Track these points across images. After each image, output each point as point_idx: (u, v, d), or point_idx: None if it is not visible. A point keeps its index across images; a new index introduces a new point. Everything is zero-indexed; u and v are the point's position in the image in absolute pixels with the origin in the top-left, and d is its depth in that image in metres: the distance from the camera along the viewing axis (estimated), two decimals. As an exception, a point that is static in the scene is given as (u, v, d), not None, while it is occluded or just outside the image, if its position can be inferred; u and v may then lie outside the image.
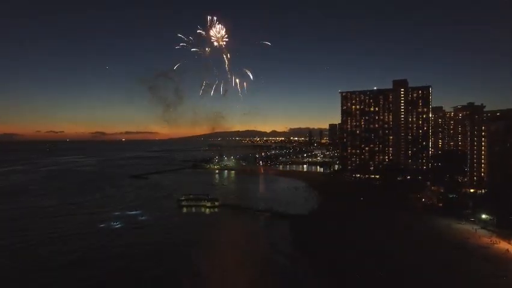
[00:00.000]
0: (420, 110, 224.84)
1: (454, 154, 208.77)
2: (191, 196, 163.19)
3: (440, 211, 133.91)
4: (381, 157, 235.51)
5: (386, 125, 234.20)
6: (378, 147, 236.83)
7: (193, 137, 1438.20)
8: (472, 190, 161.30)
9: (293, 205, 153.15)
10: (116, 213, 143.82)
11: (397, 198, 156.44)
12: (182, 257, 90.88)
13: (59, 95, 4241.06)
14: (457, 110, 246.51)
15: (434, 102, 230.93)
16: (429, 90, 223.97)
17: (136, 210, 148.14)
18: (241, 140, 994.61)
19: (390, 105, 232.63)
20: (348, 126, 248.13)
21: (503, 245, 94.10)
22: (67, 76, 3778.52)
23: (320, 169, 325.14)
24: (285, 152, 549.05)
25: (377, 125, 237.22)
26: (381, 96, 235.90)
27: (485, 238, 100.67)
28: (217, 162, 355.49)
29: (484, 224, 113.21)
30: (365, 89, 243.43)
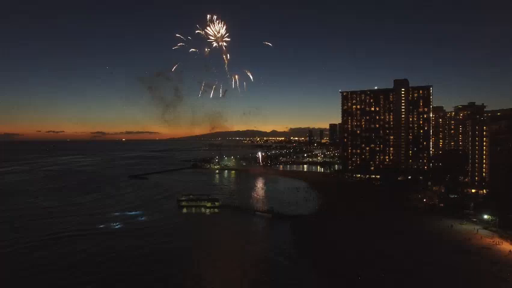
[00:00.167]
0: (421, 109, 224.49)
1: (455, 154, 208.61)
2: (191, 196, 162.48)
3: (442, 211, 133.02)
4: (381, 157, 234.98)
5: (387, 125, 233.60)
6: (379, 147, 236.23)
7: (193, 137, 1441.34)
8: (473, 190, 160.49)
9: (294, 205, 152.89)
10: (116, 213, 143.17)
11: (398, 199, 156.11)
12: (183, 258, 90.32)
13: (59, 95, 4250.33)
14: (457, 110, 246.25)
15: (434, 102, 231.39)
16: (430, 90, 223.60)
17: (135, 211, 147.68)
18: (241, 140, 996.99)
19: (391, 105, 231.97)
20: (349, 126, 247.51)
21: (505, 246, 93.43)
22: (67, 76, 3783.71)
23: (320, 169, 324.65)
24: (286, 152, 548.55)
25: (377, 125, 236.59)
26: (381, 96, 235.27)
27: (487, 239, 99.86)
28: (217, 162, 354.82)
29: (486, 225, 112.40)
30: (366, 88, 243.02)
